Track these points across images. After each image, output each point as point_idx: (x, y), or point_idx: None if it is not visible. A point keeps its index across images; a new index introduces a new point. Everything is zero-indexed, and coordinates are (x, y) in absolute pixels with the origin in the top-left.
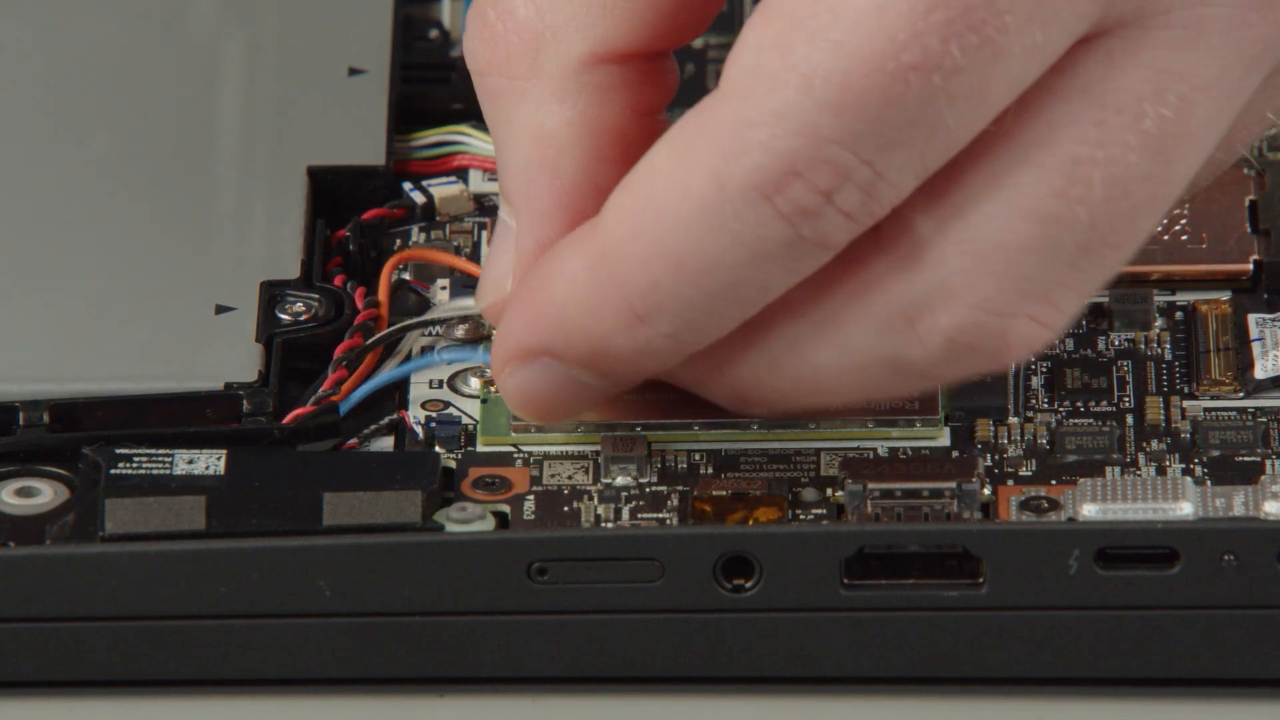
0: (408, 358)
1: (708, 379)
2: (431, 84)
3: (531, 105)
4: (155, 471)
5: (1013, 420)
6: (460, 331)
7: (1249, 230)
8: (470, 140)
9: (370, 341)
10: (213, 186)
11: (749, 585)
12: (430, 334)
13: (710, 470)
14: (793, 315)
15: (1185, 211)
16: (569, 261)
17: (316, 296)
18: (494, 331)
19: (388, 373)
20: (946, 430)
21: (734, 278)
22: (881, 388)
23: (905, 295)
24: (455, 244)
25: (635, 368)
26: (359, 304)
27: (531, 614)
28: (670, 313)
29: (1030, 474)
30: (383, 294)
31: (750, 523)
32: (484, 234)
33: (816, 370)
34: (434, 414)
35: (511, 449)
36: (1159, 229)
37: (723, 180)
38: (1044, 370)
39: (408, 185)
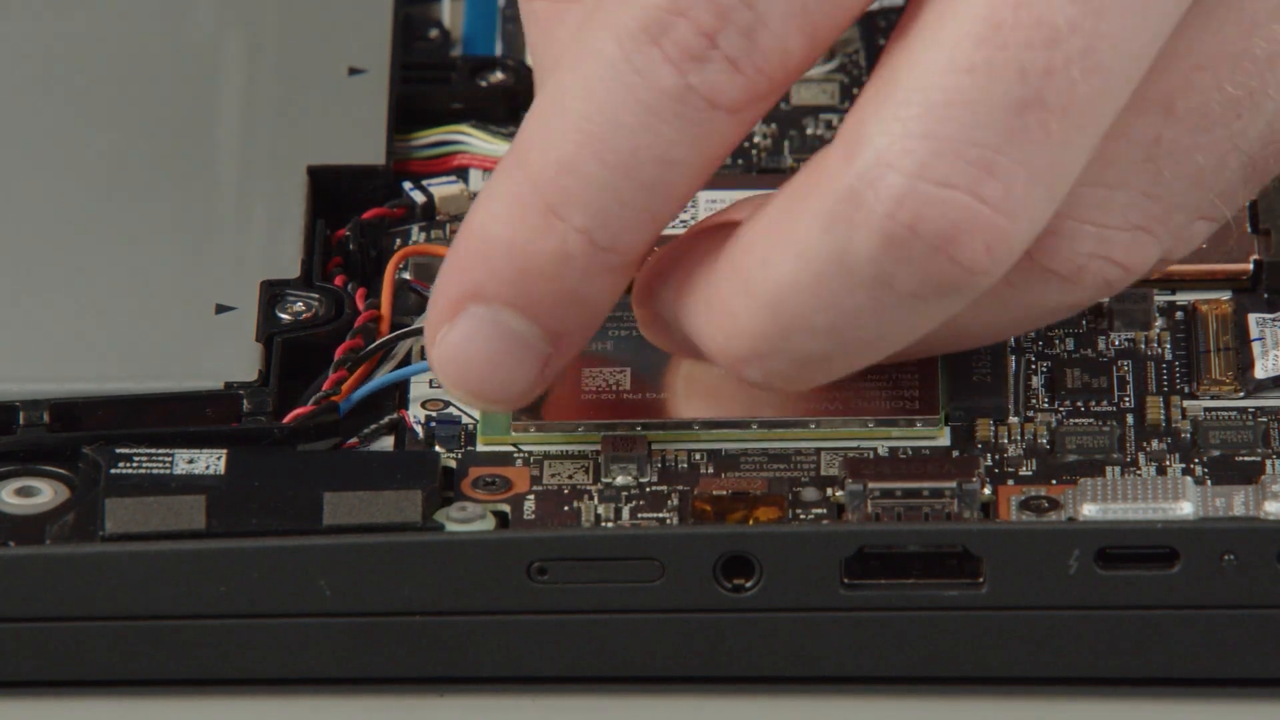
0: (407, 359)
1: (692, 319)
2: (431, 84)
3: (570, 26)
4: (155, 471)
5: (1013, 420)
6: None
7: (1249, 230)
8: (470, 140)
9: (371, 347)
10: (213, 186)
11: (749, 585)
12: None
13: (710, 470)
14: (757, 224)
15: None
16: (491, 184)
17: (316, 296)
18: None
19: (387, 375)
20: (946, 430)
21: (634, 144)
22: (844, 311)
23: (847, 177)
24: None
25: (561, 290)
26: (359, 305)
27: (531, 614)
28: (580, 199)
29: (1030, 474)
30: (386, 294)
31: (750, 522)
32: None
33: (781, 289)
34: (434, 413)
35: (511, 448)
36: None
37: (618, 30)
38: (1044, 370)
39: (408, 185)
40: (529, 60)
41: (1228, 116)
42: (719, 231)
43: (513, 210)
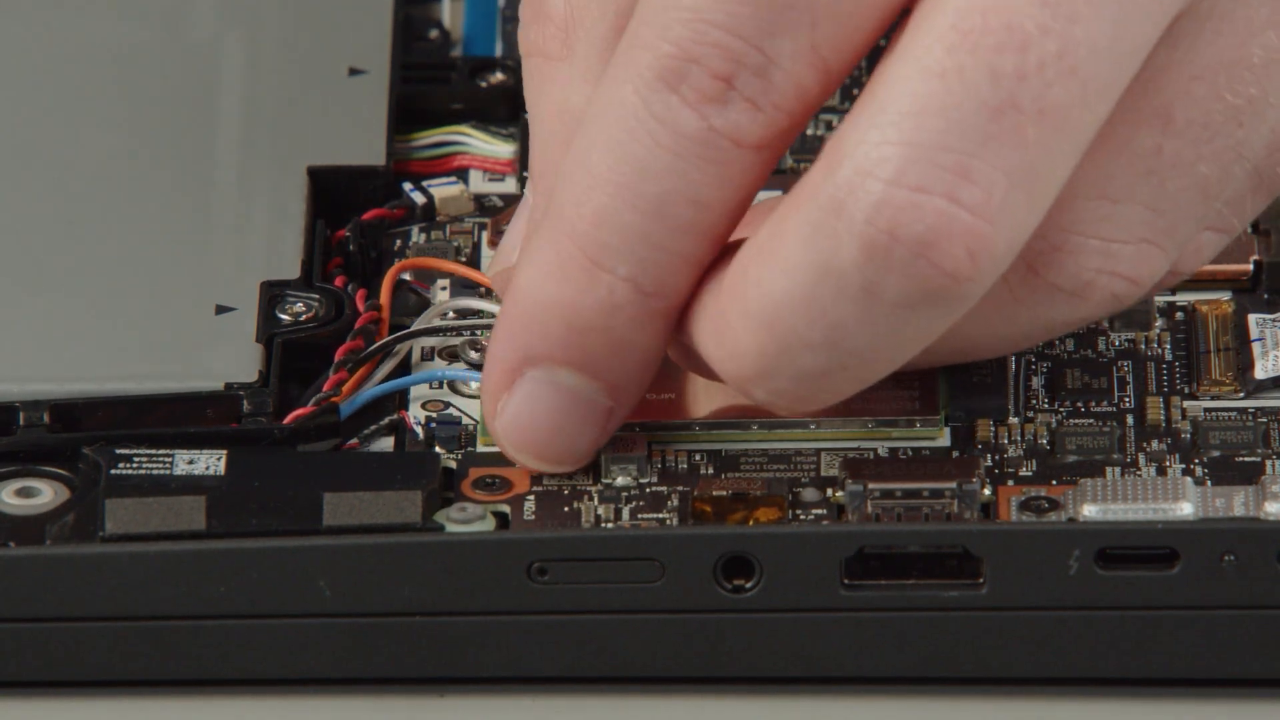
0: (407, 359)
1: (701, 341)
2: (432, 84)
3: (560, 84)
4: (155, 471)
5: (1013, 420)
6: (475, 355)
7: (1249, 230)
8: (470, 140)
9: (370, 349)
10: (213, 186)
11: (749, 585)
12: (454, 335)
13: (710, 470)
14: (750, 244)
15: None
16: (531, 248)
17: (317, 297)
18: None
19: (390, 383)
20: (947, 430)
21: (664, 189)
22: (836, 324)
23: (829, 189)
24: (455, 244)
25: (613, 342)
26: (359, 306)
27: (532, 614)
28: (620, 248)
29: (1030, 474)
30: (385, 297)
31: (750, 523)
32: (484, 235)
33: (774, 305)
34: (434, 414)
35: None
36: None
37: (635, 82)
38: (1044, 370)
39: (408, 185)
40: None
41: (1229, 126)
42: (726, 254)
43: (556, 269)
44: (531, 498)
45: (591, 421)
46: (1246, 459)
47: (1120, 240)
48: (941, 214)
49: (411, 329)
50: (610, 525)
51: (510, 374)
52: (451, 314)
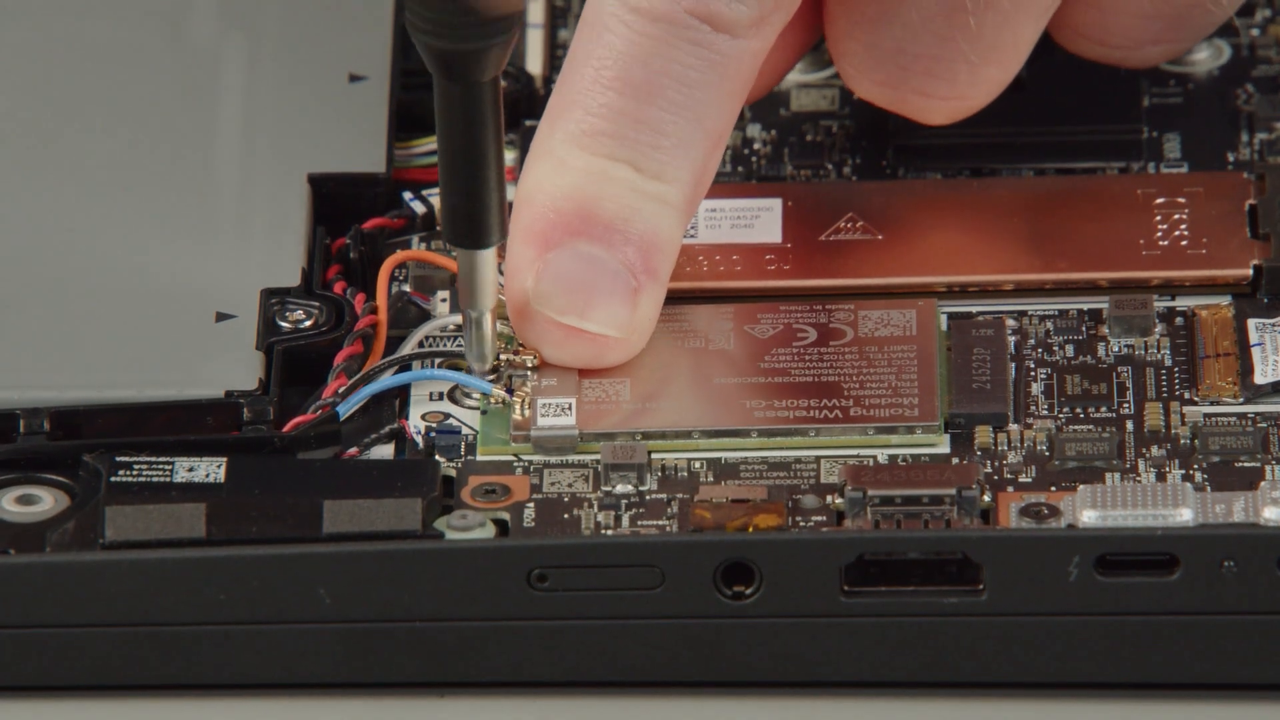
0: (406, 365)
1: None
2: (432, 90)
3: None
4: (156, 479)
5: (1012, 426)
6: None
7: (1249, 235)
8: None
9: (366, 372)
10: (213, 193)
11: (749, 592)
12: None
13: (710, 478)
14: None
15: (1185, 216)
16: (532, 154)
17: (317, 304)
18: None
19: (386, 380)
20: (946, 437)
21: (650, 71)
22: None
23: None
24: (455, 254)
25: (623, 219)
26: (359, 311)
27: (532, 621)
28: (612, 132)
29: (1030, 480)
30: (380, 297)
31: (750, 530)
32: None
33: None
34: (434, 424)
35: (512, 458)
36: (1159, 236)
37: None
38: (1044, 376)
39: (408, 195)
40: (530, 68)
41: None
42: None
43: (557, 164)
44: (531, 505)
45: (621, 291)
46: (1246, 464)
47: None
48: None
49: (408, 352)
50: (610, 532)
51: (534, 261)
52: (452, 328)
